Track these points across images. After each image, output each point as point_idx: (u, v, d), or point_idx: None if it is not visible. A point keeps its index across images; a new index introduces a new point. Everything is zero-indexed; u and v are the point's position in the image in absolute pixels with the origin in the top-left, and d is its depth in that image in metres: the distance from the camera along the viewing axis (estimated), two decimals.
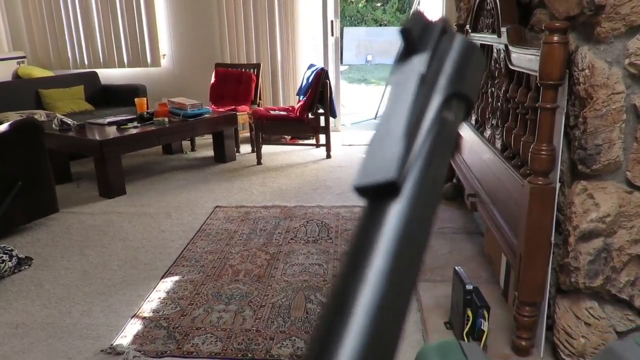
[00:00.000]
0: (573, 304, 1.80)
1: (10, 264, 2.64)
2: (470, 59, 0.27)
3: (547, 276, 1.82)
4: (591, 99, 1.57)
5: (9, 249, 2.71)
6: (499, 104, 2.26)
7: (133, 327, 2.18)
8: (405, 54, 0.26)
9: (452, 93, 0.25)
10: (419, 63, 0.25)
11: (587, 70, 1.56)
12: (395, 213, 0.20)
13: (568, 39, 1.61)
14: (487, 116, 2.44)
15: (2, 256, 2.63)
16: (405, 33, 0.26)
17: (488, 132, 2.43)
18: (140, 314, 2.28)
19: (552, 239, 1.78)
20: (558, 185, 1.75)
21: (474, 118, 2.72)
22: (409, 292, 0.20)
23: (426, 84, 0.24)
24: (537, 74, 1.65)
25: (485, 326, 1.91)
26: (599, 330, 1.75)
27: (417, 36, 0.26)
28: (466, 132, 2.85)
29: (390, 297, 0.18)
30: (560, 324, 1.82)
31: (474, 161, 2.72)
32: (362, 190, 0.21)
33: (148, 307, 2.34)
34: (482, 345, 1.89)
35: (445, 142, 0.24)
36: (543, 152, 1.68)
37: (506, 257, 2.12)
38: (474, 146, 2.71)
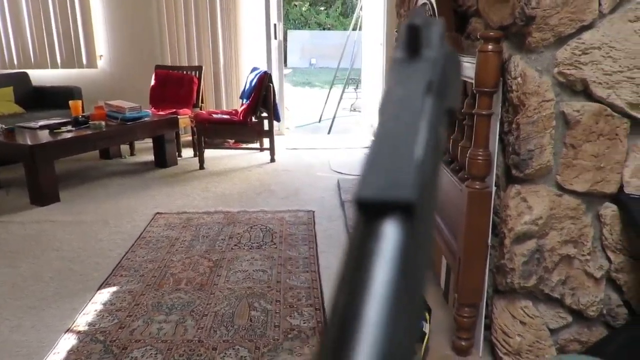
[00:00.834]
0: (509, 303, 1.86)
1: None
2: (457, 69, 0.26)
3: (485, 277, 1.88)
4: (523, 106, 1.63)
5: None
6: None
7: (67, 343, 2.07)
8: (409, 52, 0.24)
9: (451, 106, 0.24)
10: (426, 68, 0.23)
11: (519, 79, 1.62)
12: (405, 233, 0.18)
13: (502, 48, 1.66)
14: None
15: None
16: (412, 30, 0.24)
17: None
18: (74, 328, 2.18)
19: (489, 241, 1.84)
20: (494, 189, 1.81)
21: None
22: (418, 312, 0.19)
23: (436, 94, 0.23)
24: (473, 81, 1.70)
25: (426, 328, 1.94)
26: (534, 328, 1.82)
27: (422, 35, 0.24)
28: None
29: (401, 323, 0.17)
30: (497, 324, 1.88)
31: None
32: (368, 205, 0.19)
33: (83, 320, 2.23)
34: (423, 348, 1.93)
35: (440, 158, 0.23)
36: (480, 157, 1.73)
37: (446, 259, 2.17)
38: None
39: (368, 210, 0.19)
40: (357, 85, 8.90)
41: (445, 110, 0.23)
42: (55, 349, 2.03)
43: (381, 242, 0.18)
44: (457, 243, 1.93)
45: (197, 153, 4.69)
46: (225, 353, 2.01)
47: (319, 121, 8.01)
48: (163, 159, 4.61)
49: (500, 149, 1.79)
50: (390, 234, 0.18)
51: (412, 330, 0.18)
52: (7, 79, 5.19)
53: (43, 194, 3.63)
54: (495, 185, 1.82)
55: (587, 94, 1.61)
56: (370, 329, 0.16)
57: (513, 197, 1.73)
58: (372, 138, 0.21)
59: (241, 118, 4.56)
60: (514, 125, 1.68)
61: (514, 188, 1.73)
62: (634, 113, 1.60)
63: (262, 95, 4.54)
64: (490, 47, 1.62)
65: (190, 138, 5.18)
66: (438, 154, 0.22)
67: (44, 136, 3.82)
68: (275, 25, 5.46)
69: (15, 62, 5.69)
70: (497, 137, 1.75)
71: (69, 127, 4.02)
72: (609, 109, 1.61)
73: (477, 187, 1.76)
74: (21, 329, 2.18)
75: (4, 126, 3.94)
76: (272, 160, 4.79)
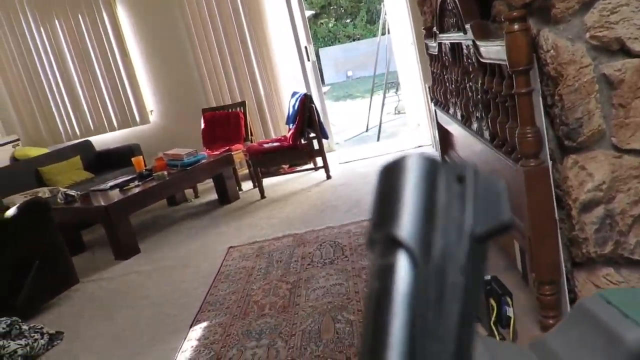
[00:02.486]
0: (590, 274, 1.84)
1: (42, 341, 2.69)
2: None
3: (560, 252, 1.87)
4: (562, 77, 1.64)
5: (39, 327, 2.77)
6: (478, 96, 2.33)
7: None
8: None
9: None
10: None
11: (552, 51, 1.64)
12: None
13: (528, 25, 1.68)
14: (471, 110, 2.51)
15: (34, 335, 2.69)
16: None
17: (475, 125, 2.50)
18: None
19: (556, 215, 1.84)
20: (550, 163, 1.81)
21: (459, 114, 2.79)
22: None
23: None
24: (507, 63, 1.72)
25: (510, 312, 1.95)
26: None
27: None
28: (455, 128, 2.92)
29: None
30: (581, 296, 1.86)
31: (467, 155, 2.79)
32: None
33: (182, 358, 2.38)
34: (511, 332, 1.93)
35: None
36: (529, 135, 1.75)
37: (517, 242, 2.17)
38: (464, 141, 2.78)
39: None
40: (397, 88, 8.91)
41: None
42: None
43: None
44: (523, 223, 1.93)
45: (256, 184, 4.86)
46: None
47: (367, 130, 8.07)
48: (225, 195, 4.80)
49: (548, 122, 1.79)
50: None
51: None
52: (74, 149, 5.60)
53: (124, 248, 3.88)
54: (551, 159, 1.82)
55: (624, 51, 1.60)
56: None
57: (571, 167, 1.72)
58: None
59: (291, 142, 4.70)
60: (556, 97, 1.69)
61: (570, 158, 1.73)
62: None
63: (306, 117, 4.66)
64: (516, 26, 1.65)
65: (247, 171, 5.37)
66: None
67: (116, 195, 4.09)
68: (305, 47, 5.61)
69: (78, 132, 6.13)
70: (543, 111, 1.76)
71: (136, 182, 4.29)
72: None
73: (532, 164, 1.77)
74: None
75: (79, 193, 4.25)
76: (328, 177, 4.89)
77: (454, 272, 0.23)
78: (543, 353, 0.57)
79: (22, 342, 2.61)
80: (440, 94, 3.27)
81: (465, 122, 2.70)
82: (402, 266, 0.22)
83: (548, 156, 1.80)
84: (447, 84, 2.99)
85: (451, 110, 3.02)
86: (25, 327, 2.74)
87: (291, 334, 2.39)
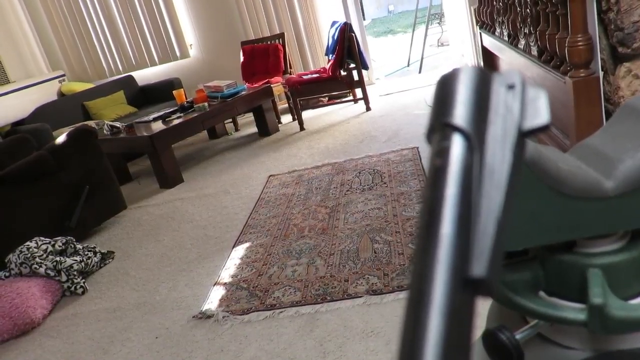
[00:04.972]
0: None
1: (95, 259, 2.85)
2: None
3: None
4: None
5: (92, 246, 2.93)
6: (527, 10, 2.21)
7: (217, 293, 2.33)
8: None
9: None
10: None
11: None
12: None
13: None
14: (519, 26, 2.39)
15: (88, 254, 2.85)
16: None
17: (522, 43, 2.39)
18: (220, 281, 2.43)
19: None
20: (601, 74, 1.72)
21: (506, 33, 2.67)
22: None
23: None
24: None
25: None
26: None
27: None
28: (501, 49, 2.81)
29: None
30: None
31: None
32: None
33: (226, 274, 2.49)
34: None
35: None
36: (580, 43, 1.66)
37: None
38: (510, 61, 2.67)
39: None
40: (441, 19, 8.56)
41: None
42: (209, 300, 2.29)
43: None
44: (569, 141, 1.87)
45: (295, 116, 4.85)
46: (357, 282, 2.15)
47: (408, 65, 7.84)
48: (265, 128, 4.83)
49: (601, 30, 1.69)
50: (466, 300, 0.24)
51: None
52: (117, 84, 5.70)
53: (169, 177, 4.00)
54: (602, 71, 1.73)
55: None
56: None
57: (623, 76, 1.64)
58: None
59: (330, 73, 4.63)
60: (612, 1, 1.58)
61: (623, 67, 1.64)
62: None
63: (346, 47, 4.56)
64: None
65: (286, 105, 5.36)
66: None
67: (159, 126, 4.18)
68: None
69: (120, 67, 6.22)
70: (596, 17, 1.66)
71: (178, 114, 4.35)
72: None
73: (581, 75, 1.69)
74: (177, 288, 2.48)
75: (124, 125, 4.36)
76: (368, 109, 4.83)
77: (504, 152, 0.27)
78: (583, 151, 0.56)
79: (77, 258, 2.77)
80: (487, 15, 3.13)
81: (512, 41, 2.59)
82: (459, 146, 0.26)
83: (599, 66, 1.71)
84: (494, 2, 2.84)
85: (497, 31, 2.89)
86: (79, 246, 2.90)
87: (330, 253, 2.44)
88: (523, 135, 0.28)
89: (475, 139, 0.26)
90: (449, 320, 0.22)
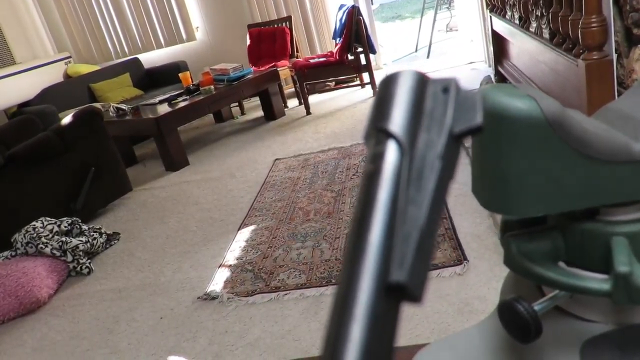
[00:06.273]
0: None
1: (101, 240, 2.86)
2: None
3: None
4: None
5: (97, 227, 2.93)
6: None
7: (222, 275, 2.33)
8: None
9: None
10: None
11: None
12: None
13: None
14: (530, 9, 2.35)
15: (93, 234, 2.85)
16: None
17: (534, 25, 2.35)
18: (225, 263, 2.43)
19: None
20: (615, 57, 1.69)
21: (517, 16, 2.62)
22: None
23: None
24: None
25: None
26: None
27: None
28: (512, 33, 2.77)
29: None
30: None
31: (524, 61, 2.65)
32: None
33: (231, 256, 2.48)
34: None
35: None
36: (594, 24, 1.63)
37: None
38: (521, 45, 2.63)
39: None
40: (450, 4, 8.46)
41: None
42: (214, 281, 2.29)
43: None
44: None
45: (302, 100, 4.82)
46: None
47: (416, 51, 7.77)
48: (271, 112, 4.80)
49: (616, 11, 1.66)
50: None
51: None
52: (123, 66, 5.68)
53: (174, 160, 3.99)
54: (616, 53, 1.70)
55: None
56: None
57: (638, 59, 1.60)
58: None
59: (337, 57, 4.59)
60: None
61: (637, 49, 1.60)
62: None
63: (353, 31, 4.51)
64: None
65: (292, 89, 5.32)
66: None
67: (165, 109, 4.16)
68: None
69: (126, 50, 6.19)
70: None
71: (184, 97, 4.33)
72: None
73: (594, 57, 1.66)
74: (182, 269, 2.48)
75: (129, 107, 4.34)
76: (375, 94, 4.78)
77: (432, 158, 0.28)
78: (608, 115, 0.54)
79: (83, 239, 2.77)
80: None
81: (523, 24, 2.54)
82: (391, 152, 0.27)
83: (613, 49, 1.68)
84: None
85: (508, 15, 2.85)
86: (85, 227, 2.90)
87: (335, 237, 2.43)
88: (455, 139, 0.29)
89: (407, 145, 0.27)
90: (370, 324, 0.23)
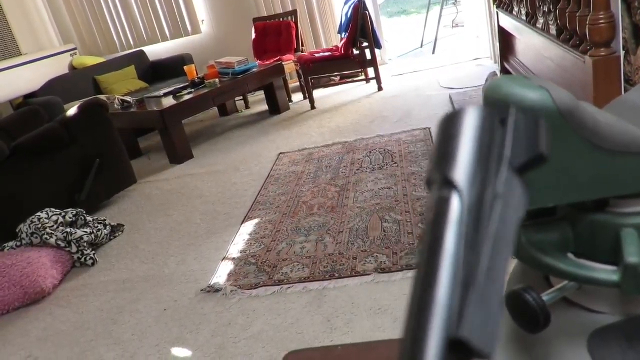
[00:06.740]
0: None
1: (105, 231, 2.87)
2: None
3: None
4: None
5: (102, 219, 2.94)
6: None
7: (225, 268, 2.33)
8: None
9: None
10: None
11: None
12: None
13: None
14: (537, 5, 2.34)
15: (98, 226, 2.86)
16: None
17: (541, 22, 2.34)
18: (229, 256, 2.44)
19: None
20: (622, 54, 1.68)
21: (524, 12, 2.61)
22: None
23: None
24: None
25: None
26: None
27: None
28: (518, 29, 2.75)
29: None
30: None
31: (530, 57, 2.64)
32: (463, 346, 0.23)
33: (235, 249, 2.49)
34: None
35: None
36: (602, 21, 1.62)
37: None
38: (527, 41, 2.62)
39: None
40: (456, 0, 8.43)
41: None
42: (217, 274, 2.30)
43: None
44: None
45: (307, 95, 4.81)
46: (366, 260, 2.14)
47: (421, 46, 7.74)
48: (276, 106, 4.80)
49: (624, 8, 1.65)
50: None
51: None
52: (128, 59, 5.68)
53: (179, 153, 3.99)
54: (623, 50, 1.69)
55: None
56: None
57: None
58: None
59: (343, 52, 4.58)
60: None
61: None
62: None
63: (359, 25, 4.50)
64: None
65: (297, 83, 5.32)
66: None
67: (170, 102, 4.17)
68: None
69: (132, 42, 6.19)
70: None
71: (189, 90, 4.34)
72: None
73: (602, 54, 1.65)
74: (185, 262, 2.49)
75: (135, 99, 4.35)
76: (380, 89, 4.78)
77: (491, 198, 0.26)
78: (621, 107, 0.55)
79: (87, 230, 2.78)
80: None
81: (530, 20, 2.53)
82: (454, 200, 0.26)
83: (621, 46, 1.67)
84: None
85: (515, 11, 2.83)
86: (89, 218, 2.92)
87: (339, 231, 2.44)
88: (517, 172, 0.27)
89: (471, 194, 0.26)
90: None
